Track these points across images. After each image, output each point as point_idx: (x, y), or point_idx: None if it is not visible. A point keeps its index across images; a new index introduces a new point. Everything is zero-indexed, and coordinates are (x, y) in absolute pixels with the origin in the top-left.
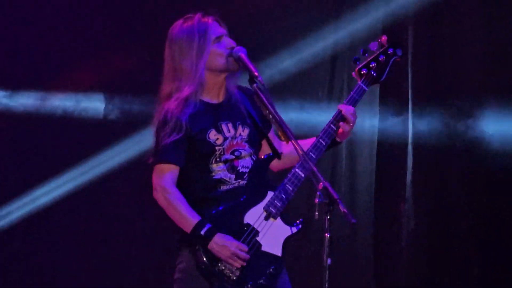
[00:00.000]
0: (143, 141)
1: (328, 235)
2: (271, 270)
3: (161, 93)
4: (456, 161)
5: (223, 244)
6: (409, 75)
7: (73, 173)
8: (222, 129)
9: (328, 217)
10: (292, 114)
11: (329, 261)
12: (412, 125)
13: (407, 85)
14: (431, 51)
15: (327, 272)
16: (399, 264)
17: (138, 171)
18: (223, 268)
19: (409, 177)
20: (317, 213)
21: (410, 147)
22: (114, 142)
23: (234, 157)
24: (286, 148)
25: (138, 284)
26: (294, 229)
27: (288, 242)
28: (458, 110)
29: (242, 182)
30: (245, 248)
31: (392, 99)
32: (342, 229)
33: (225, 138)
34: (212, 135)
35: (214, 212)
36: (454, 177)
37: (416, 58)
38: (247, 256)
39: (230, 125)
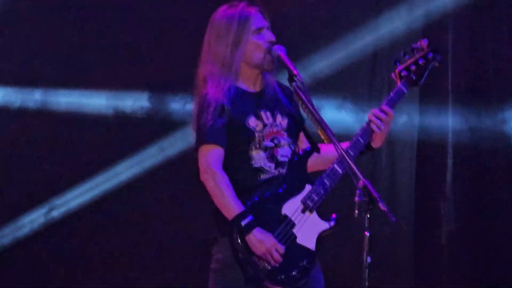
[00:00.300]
0: (183, 139)
1: (368, 234)
2: (304, 263)
3: (197, 77)
4: (496, 159)
5: (261, 239)
6: (449, 73)
7: (110, 172)
8: (261, 116)
9: (368, 216)
10: (332, 113)
11: (369, 259)
12: (452, 123)
13: (447, 83)
14: (471, 49)
15: (367, 270)
16: (439, 263)
17: (178, 169)
18: (257, 259)
19: (449, 175)
20: (357, 211)
21: (450, 146)
22: (154, 140)
23: (273, 144)
24: (323, 148)
25: (173, 273)
26: (329, 224)
27: (322, 237)
28: (498, 108)
29: (282, 171)
30: (282, 249)
31: (432, 98)
32: (382, 227)
33: (265, 125)
34: (252, 121)
35: (251, 202)
36: (494, 176)
37: (456, 56)
38: (280, 259)
39: (268, 113)
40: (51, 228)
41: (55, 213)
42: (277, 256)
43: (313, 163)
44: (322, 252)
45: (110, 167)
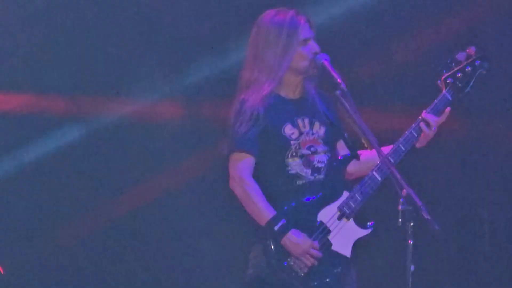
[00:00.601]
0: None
1: (411, 242)
2: (338, 270)
3: (240, 79)
4: None
5: (296, 242)
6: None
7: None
8: (298, 124)
9: (412, 224)
10: (377, 119)
11: (412, 267)
12: (495, 130)
13: (490, 89)
14: None
15: (410, 278)
16: (483, 271)
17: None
18: (292, 263)
19: (492, 182)
20: (400, 220)
21: (493, 152)
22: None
23: (310, 152)
24: (364, 154)
25: (211, 278)
26: (366, 232)
27: (358, 244)
28: None
29: (318, 177)
30: (317, 246)
31: (475, 103)
32: (425, 235)
33: (301, 133)
34: (288, 129)
35: (287, 207)
36: None
37: (498, 64)
38: (319, 255)
39: (306, 120)
40: (107, 230)
41: (114, 215)
42: (316, 253)
43: (355, 169)
44: (360, 259)
45: (151, 174)
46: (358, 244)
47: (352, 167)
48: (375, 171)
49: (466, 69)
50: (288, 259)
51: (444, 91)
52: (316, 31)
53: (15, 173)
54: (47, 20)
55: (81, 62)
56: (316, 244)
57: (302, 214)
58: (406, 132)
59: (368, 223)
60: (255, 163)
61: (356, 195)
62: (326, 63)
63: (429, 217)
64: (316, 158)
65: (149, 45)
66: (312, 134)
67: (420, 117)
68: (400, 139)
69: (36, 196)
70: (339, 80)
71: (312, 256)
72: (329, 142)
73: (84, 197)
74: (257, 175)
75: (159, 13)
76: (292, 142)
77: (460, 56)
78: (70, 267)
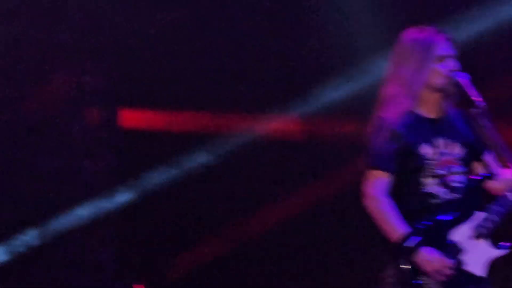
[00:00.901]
0: None
1: None
2: None
3: (380, 96)
4: None
5: (428, 259)
6: None
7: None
8: (435, 144)
9: None
10: None
11: None
12: None
13: None
14: None
15: None
16: None
17: None
18: (423, 282)
19: None
20: None
21: None
22: None
23: (446, 173)
24: (508, 172)
25: None
26: (501, 252)
27: (495, 265)
28: None
29: (454, 196)
30: (451, 264)
31: None
32: None
33: (438, 153)
34: (425, 149)
35: (421, 226)
36: None
37: None
38: (452, 273)
39: (444, 141)
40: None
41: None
42: (449, 271)
43: (494, 188)
44: (496, 280)
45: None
46: (494, 265)
47: (491, 186)
48: (510, 191)
49: None
50: (421, 278)
51: None
52: (460, 50)
53: (160, 188)
54: (186, 40)
55: (216, 81)
56: (450, 262)
57: (435, 233)
58: None
59: (504, 244)
60: (391, 181)
61: (491, 215)
62: (462, 81)
63: None
64: (452, 178)
65: (280, 66)
66: (449, 154)
67: None
68: None
69: (177, 213)
70: (477, 99)
71: (445, 274)
72: (466, 163)
73: (220, 214)
74: (392, 192)
75: (291, 35)
76: (428, 162)
77: None
78: (208, 284)
